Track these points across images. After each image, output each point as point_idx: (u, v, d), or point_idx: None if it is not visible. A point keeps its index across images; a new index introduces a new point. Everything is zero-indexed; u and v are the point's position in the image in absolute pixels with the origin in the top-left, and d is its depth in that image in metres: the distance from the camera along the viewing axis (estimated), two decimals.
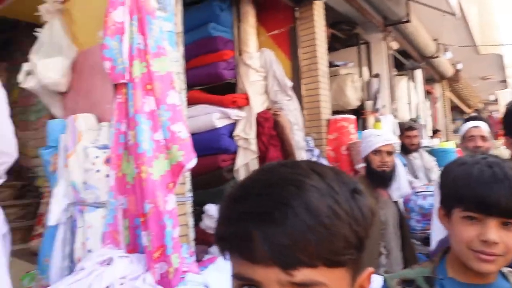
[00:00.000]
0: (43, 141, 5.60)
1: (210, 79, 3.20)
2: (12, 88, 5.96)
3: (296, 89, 3.30)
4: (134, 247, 1.86)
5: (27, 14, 3.03)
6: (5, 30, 6.10)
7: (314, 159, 2.93)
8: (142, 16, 1.85)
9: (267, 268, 0.44)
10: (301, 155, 2.94)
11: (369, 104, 4.65)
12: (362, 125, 4.49)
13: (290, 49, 3.48)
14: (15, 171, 5.55)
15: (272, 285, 0.44)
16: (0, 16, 4.36)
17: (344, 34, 4.84)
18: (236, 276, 0.47)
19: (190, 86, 3.24)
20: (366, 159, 2.25)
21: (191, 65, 3.20)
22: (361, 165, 2.81)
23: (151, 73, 1.81)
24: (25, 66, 2.26)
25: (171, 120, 1.81)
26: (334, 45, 4.75)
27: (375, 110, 4.62)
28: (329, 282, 0.45)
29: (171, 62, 1.99)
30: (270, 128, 2.86)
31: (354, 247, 0.47)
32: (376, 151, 2.19)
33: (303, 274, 0.44)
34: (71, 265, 1.95)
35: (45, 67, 2.08)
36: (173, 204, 1.80)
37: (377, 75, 4.95)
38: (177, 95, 1.90)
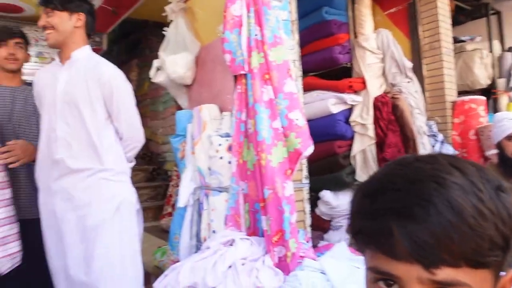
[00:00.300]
0: (171, 129, 6.13)
1: (325, 64, 3.16)
2: (142, 82, 6.62)
3: (417, 70, 3.09)
4: (254, 230, 1.95)
5: (154, 15, 3.31)
6: (135, 31, 6.76)
7: (437, 145, 2.73)
8: (258, 7, 1.90)
9: (408, 265, 0.43)
10: (423, 140, 2.77)
11: (501, 82, 4.14)
12: (493, 106, 4.04)
13: (409, 27, 3.26)
14: (147, 156, 6.18)
15: (412, 282, 0.43)
16: (130, 18, 4.81)
17: (470, 5, 4.37)
18: (373, 270, 0.47)
19: (304, 72, 3.25)
20: (499, 145, 2.04)
21: (305, 51, 3.19)
22: (492, 152, 2.54)
23: (269, 63, 1.86)
24: (155, 63, 2.48)
25: (289, 108, 1.84)
26: (458, 18, 4.32)
27: (508, 89, 4.12)
28: (472, 283, 0.43)
29: (287, 50, 2.02)
30: (389, 113, 2.74)
31: (499, 248, 0.44)
32: (511, 137, 1.98)
33: (445, 273, 0.42)
34: (198, 244, 2.12)
35: (173, 63, 2.27)
36: (290, 190, 1.84)
37: (510, 49, 4.39)
38: (294, 83, 1.92)
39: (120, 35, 6.76)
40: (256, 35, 1.89)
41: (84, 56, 1.85)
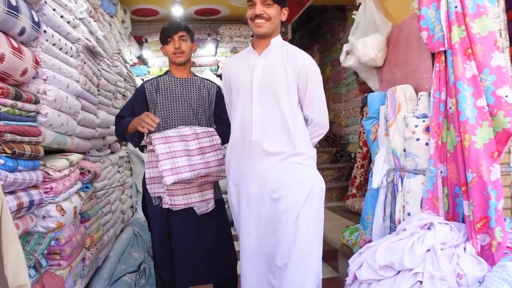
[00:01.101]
0: (354, 111, 6.15)
1: None
2: (325, 66, 6.80)
3: None
4: (453, 215, 1.85)
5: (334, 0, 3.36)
6: (315, 17, 6.96)
7: None
8: None
9: None
10: None
11: None
12: None
13: None
14: (330, 139, 6.36)
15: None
16: (311, 5, 4.97)
17: None
18: None
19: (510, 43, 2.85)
20: None
21: (510, 18, 2.80)
22: None
23: (472, 36, 1.72)
24: (345, 47, 2.54)
25: (496, 84, 1.67)
26: None
27: None
28: None
29: (492, 19, 1.82)
30: None
31: None
32: None
33: None
34: (391, 225, 2.12)
35: (364, 45, 2.29)
36: (497, 174, 1.68)
37: None
38: (502, 55, 1.73)
39: (301, 22, 7.04)
40: (456, 7, 1.76)
41: (279, 43, 1.94)
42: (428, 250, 1.67)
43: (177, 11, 4.76)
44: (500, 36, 1.92)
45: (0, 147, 1.47)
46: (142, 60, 5.68)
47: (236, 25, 5.79)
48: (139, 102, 2.26)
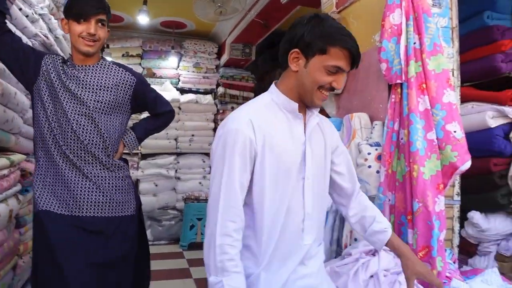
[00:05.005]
0: None
1: (484, 74, 2.89)
2: None
3: None
4: None
5: None
6: (279, 41, 7.11)
7: None
8: (418, 15, 1.86)
9: None
10: None
11: None
12: None
13: None
14: None
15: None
16: (276, 29, 5.05)
17: None
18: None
19: (461, 82, 3.03)
20: None
21: (462, 59, 2.99)
22: None
23: (427, 72, 1.81)
24: None
25: (446, 119, 1.76)
26: None
27: None
28: None
29: (446, 59, 1.93)
30: None
31: None
32: None
33: None
34: (338, 249, 2.15)
35: None
36: (442, 206, 1.76)
37: None
38: (453, 93, 1.83)
39: (266, 45, 7.15)
40: (414, 43, 1.86)
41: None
42: (372, 276, 1.69)
43: (143, 20, 4.70)
44: (453, 75, 2.04)
45: None
46: None
47: (201, 41, 5.79)
48: (30, 59, 1.75)
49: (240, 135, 1.17)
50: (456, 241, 2.02)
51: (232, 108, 5.85)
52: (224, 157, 1.17)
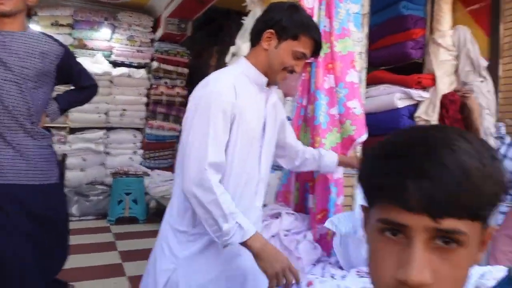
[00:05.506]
0: None
1: (397, 59, 3.17)
2: (221, 67, 6.93)
3: (492, 69, 2.97)
4: (301, 207, 2.09)
5: (235, 4, 3.53)
6: (217, 18, 7.10)
7: (504, 147, 2.64)
8: (330, 0, 2.01)
9: (418, 216, 0.52)
10: (489, 142, 2.69)
11: None
12: None
13: (490, 25, 3.14)
14: None
15: (419, 229, 0.53)
16: (214, 6, 5.08)
17: None
18: (383, 221, 0.56)
19: (376, 66, 3.27)
20: None
21: (378, 45, 3.23)
22: None
23: (334, 53, 1.97)
24: (232, 49, 2.69)
25: (348, 97, 1.94)
26: None
27: None
28: (469, 232, 0.53)
29: (354, 42, 2.10)
30: (456, 111, 2.70)
31: (492, 204, 0.54)
32: None
33: (449, 223, 0.52)
34: None
35: (248, 49, 2.45)
36: (339, 174, 1.94)
37: None
38: (357, 74, 2.02)
39: (204, 22, 7.11)
40: (325, 26, 2.01)
41: None
42: (273, 236, 1.86)
43: None
44: (360, 58, 2.22)
45: None
46: None
47: (136, 14, 5.66)
48: None
49: (224, 97, 1.26)
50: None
51: (166, 83, 5.81)
52: (208, 116, 1.24)
